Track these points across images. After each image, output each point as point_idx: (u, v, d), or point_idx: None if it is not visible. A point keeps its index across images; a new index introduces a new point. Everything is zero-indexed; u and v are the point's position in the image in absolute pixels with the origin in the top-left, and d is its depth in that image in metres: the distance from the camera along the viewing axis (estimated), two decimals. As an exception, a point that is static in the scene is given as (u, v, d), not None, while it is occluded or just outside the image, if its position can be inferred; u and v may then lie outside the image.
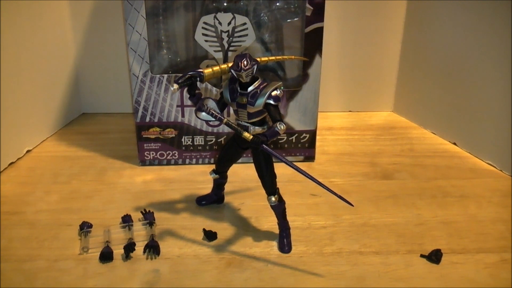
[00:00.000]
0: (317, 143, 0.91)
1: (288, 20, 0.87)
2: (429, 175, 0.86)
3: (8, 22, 0.88)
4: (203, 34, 0.84)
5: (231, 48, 0.86)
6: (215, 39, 0.85)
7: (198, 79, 0.59)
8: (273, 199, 0.61)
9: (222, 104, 0.62)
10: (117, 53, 1.16)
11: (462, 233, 0.67)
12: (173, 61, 0.89)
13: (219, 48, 0.86)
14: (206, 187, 0.77)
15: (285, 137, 0.89)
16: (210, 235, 0.65)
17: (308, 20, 0.82)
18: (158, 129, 0.87)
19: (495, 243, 0.64)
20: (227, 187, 0.74)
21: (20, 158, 0.92)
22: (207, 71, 0.60)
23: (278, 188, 0.62)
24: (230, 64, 0.59)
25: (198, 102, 0.59)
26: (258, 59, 0.59)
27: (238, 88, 0.59)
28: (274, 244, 0.64)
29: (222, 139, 0.89)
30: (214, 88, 0.86)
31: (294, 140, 0.90)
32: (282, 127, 0.56)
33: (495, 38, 0.88)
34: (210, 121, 0.86)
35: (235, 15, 0.84)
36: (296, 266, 0.59)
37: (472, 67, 0.95)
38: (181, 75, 0.59)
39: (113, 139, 1.04)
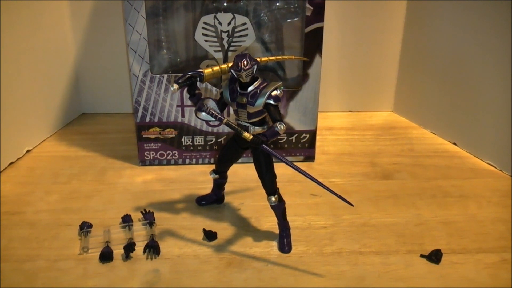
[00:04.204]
0: (317, 143, 0.91)
1: (288, 20, 0.87)
2: (429, 175, 0.86)
3: (8, 22, 0.88)
4: (203, 34, 0.84)
5: (231, 48, 0.86)
6: (215, 39, 0.85)
7: (198, 79, 0.59)
8: (273, 199, 0.61)
9: (222, 104, 0.62)
10: (117, 53, 1.16)
11: (462, 233, 0.67)
12: (173, 61, 0.89)
13: (219, 48, 0.86)
14: (206, 187, 0.77)
15: (285, 137, 0.90)
16: (210, 235, 0.65)
17: (308, 20, 0.82)
18: (158, 129, 0.87)
19: (495, 243, 0.64)
20: (227, 187, 0.74)
21: (20, 158, 0.92)
22: (207, 71, 0.60)
23: (278, 188, 0.62)
24: (230, 64, 0.59)
25: (198, 102, 0.59)
26: (258, 59, 0.59)
27: (238, 88, 0.59)
28: (274, 244, 0.64)
29: (222, 139, 0.89)
30: (214, 88, 0.86)
31: (294, 140, 0.90)
32: (282, 127, 0.56)
33: (495, 38, 0.88)
34: (210, 121, 0.86)
35: (235, 15, 0.84)
36: (296, 266, 0.59)
37: (472, 67, 0.95)
38: (181, 75, 0.59)
39: (113, 139, 1.04)
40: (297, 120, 0.88)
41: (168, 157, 0.89)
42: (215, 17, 0.83)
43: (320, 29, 0.83)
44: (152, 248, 0.61)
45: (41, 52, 1.01)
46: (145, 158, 0.89)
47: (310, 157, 0.92)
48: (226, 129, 0.86)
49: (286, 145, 0.90)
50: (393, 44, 1.19)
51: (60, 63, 1.11)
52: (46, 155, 0.95)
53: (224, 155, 0.68)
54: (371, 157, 0.94)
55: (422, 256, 0.61)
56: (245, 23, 0.84)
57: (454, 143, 1.01)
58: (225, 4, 0.83)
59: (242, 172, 0.83)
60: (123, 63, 1.15)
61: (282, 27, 0.87)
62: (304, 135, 0.90)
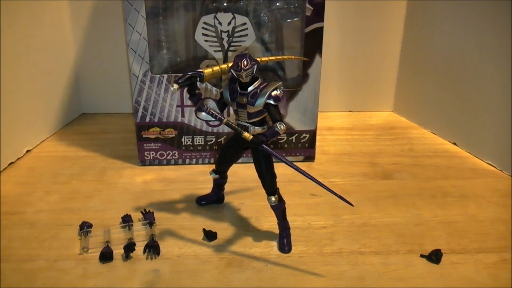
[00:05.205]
0: (317, 143, 0.91)
1: (288, 20, 0.87)
2: (429, 175, 0.86)
3: (8, 22, 0.88)
4: (203, 34, 0.84)
5: (231, 48, 0.86)
6: (215, 39, 0.85)
7: (198, 79, 0.59)
8: (273, 199, 0.61)
9: (222, 104, 0.62)
10: (117, 53, 1.16)
11: (462, 233, 0.67)
12: (173, 61, 0.89)
13: (219, 48, 0.86)
14: (206, 187, 0.77)
15: (285, 137, 0.89)
16: (210, 235, 0.65)
17: (308, 20, 0.82)
18: (158, 129, 0.87)
19: (495, 243, 0.64)
20: (227, 187, 0.74)
21: (20, 158, 0.92)
22: (207, 71, 0.60)
23: (278, 188, 0.62)
24: (230, 64, 0.59)
25: (198, 102, 0.59)
26: (258, 59, 0.59)
27: (238, 88, 0.59)
28: (274, 244, 0.64)
29: (222, 139, 0.89)
30: (214, 88, 0.86)
31: (294, 140, 0.90)
32: (282, 127, 0.56)
33: (495, 38, 0.88)
34: (210, 121, 0.86)
35: (235, 15, 0.84)
36: (296, 266, 0.59)
37: (472, 67, 0.95)
38: (181, 75, 0.59)
39: (113, 139, 1.04)
40: (297, 120, 0.88)
41: (168, 157, 0.89)
42: (215, 17, 0.83)
43: (320, 29, 0.83)
44: (152, 248, 0.61)
45: (41, 52, 1.01)
46: (145, 158, 0.89)
47: (310, 157, 0.92)
48: (226, 129, 0.86)
49: (286, 145, 0.90)
50: (393, 44, 1.19)
51: (60, 63, 1.11)
52: (46, 155, 0.95)
53: (224, 155, 0.68)
54: (371, 157, 0.94)
55: (422, 256, 0.61)
56: (245, 23, 0.84)
57: (454, 143, 1.01)
58: (225, 4, 0.83)
59: (242, 172, 0.83)
60: (123, 63, 1.15)
61: (282, 27, 0.87)
62: (304, 135, 0.90)
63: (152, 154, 0.89)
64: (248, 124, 0.60)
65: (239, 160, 0.70)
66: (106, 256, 0.60)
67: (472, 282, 0.57)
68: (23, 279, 0.57)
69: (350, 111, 1.25)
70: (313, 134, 0.90)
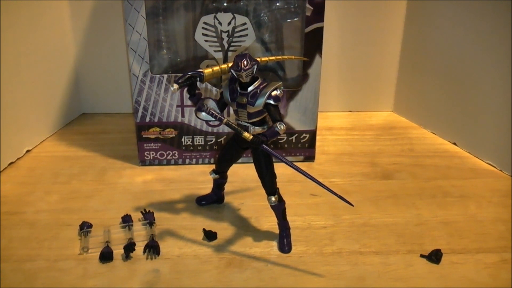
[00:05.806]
0: (317, 143, 0.91)
1: (288, 20, 0.87)
2: (429, 175, 0.86)
3: (8, 22, 0.88)
4: (203, 34, 0.85)
5: (231, 48, 0.86)
6: (215, 39, 0.85)
7: (198, 79, 0.59)
8: (273, 199, 0.61)
9: (222, 104, 0.63)
10: (117, 53, 1.16)
11: (462, 233, 0.67)
12: (173, 61, 0.89)
13: (219, 48, 0.86)
14: (206, 187, 0.77)
15: (285, 137, 0.89)
16: (210, 235, 0.65)
17: (308, 20, 0.82)
18: (158, 129, 0.87)
19: (495, 243, 0.64)
20: (227, 187, 0.74)
21: (20, 158, 0.92)
22: (207, 71, 0.60)
23: (278, 188, 0.62)
24: (230, 64, 0.59)
25: (198, 102, 0.59)
26: (258, 59, 0.59)
27: (238, 88, 0.59)
28: (274, 244, 0.64)
29: (222, 139, 0.89)
30: (214, 88, 0.86)
31: (294, 140, 0.90)
32: (282, 127, 0.56)
33: (495, 38, 0.88)
34: (210, 121, 0.86)
35: (235, 15, 0.84)
36: (296, 266, 0.59)
37: (472, 67, 0.95)
38: (181, 75, 0.59)
39: (113, 139, 1.04)
40: (297, 120, 0.88)
41: (168, 157, 0.89)
42: (215, 17, 0.83)
43: (320, 29, 0.83)
44: (152, 248, 0.61)
45: (41, 52, 1.01)
46: (145, 158, 0.89)
47: (310, 157, 0.92)
48: (226, 129, 0.86)
49: (286, 145, 0.90)
50: (393, 44, 1.19)
51: (60, 63, 1.11)
52: (46, 155, 0.95)
53: (224, 155, 0.68)
54: (371, 157, 0.94)
55: (422, 256, 0.61)
56: (245, 23, 0.84)
57: (454, 143, 1.01)
58: (225, 4, 0.83)
59: (242, 172, 0.83)
60: (123, 63, 1.15)
61: (282, 27, 0.87)
62: (304, 135, 0.90)
63: (152, 154, 0.89)
64: (248, 124, 0.60)
65: (239, 160, 0.70)
66: (106, 256, 0.60)
67: (472, 282, 0.57)
68: (23, 279, 0.57)
69: (350, 111, 1.25)
70: (313, 134, 0.90)
